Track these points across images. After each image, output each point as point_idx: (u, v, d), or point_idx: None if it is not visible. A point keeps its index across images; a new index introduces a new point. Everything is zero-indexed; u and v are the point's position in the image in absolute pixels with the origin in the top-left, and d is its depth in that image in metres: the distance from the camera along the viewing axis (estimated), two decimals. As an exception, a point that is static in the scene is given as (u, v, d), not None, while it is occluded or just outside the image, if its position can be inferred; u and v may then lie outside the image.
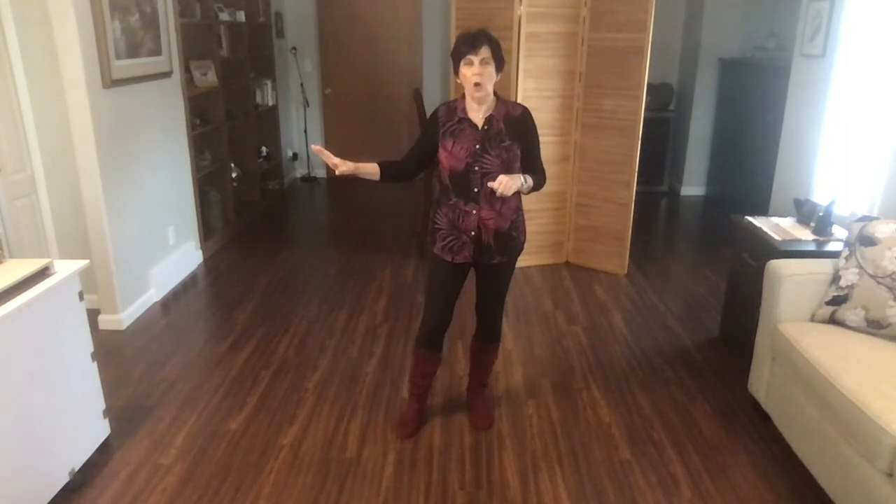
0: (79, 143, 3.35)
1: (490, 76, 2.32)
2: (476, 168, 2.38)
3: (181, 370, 3.21)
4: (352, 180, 7.27)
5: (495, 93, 2.42)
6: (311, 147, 2.36)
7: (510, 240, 2.50)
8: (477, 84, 2.31)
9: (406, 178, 2.56)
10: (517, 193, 2.42)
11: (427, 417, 2.83)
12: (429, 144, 2.47)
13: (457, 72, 2.36)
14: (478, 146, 2.37)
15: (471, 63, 2.29)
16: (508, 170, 2.36)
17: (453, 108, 2.43)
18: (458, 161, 2.39)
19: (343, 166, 2.36)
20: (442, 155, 2.42)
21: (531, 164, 2.46)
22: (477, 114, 2.40)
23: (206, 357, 3.35)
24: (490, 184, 2.28)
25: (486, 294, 2.63)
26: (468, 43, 2.30)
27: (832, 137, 3.72)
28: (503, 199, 2.40)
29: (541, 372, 3.22)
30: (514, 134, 2.40)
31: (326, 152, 2.36)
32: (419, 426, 2.76)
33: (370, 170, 2.45)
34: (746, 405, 2.92)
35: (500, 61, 2.35)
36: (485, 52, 2.28)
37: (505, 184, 2.26)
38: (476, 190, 2.40)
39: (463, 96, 2.42)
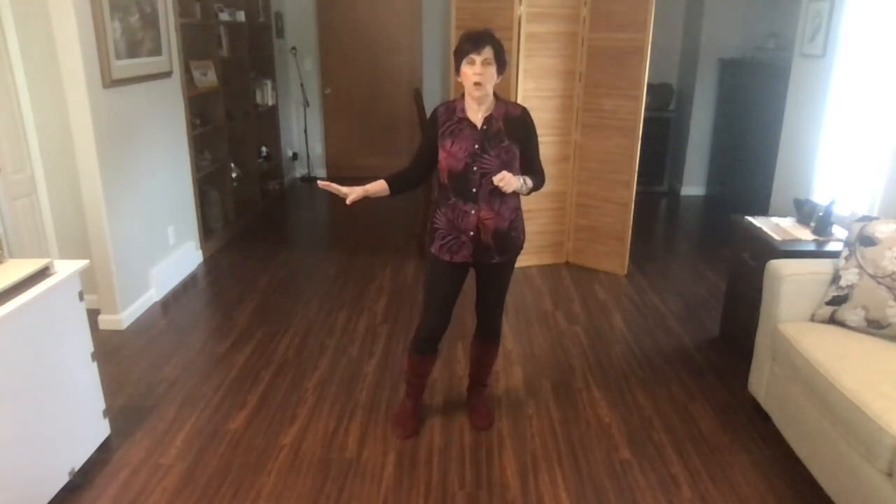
0: (79, 143, 3.35)
1: (491, 77, 2.32)
2: (475, 168, 2.37)
3: (181, 370, 3.21)
4: (351, 182, 7.28)
5: (495, 93, 2.41)
6: (318, 182, 2.38)
7: (509, 240, 2.50)
8: (477, 84, 2.30)
9: (415, 184, 2.54)
10: (515, 193, 2.42)
11: (427, 417, 2.83)
12: (432, 146, 2.45)
13: (458, 70, 2.35)
14: (477, 146, 2.37)
15: (473, 62, 2.29)
16: (508, 170, 2.35)
17: (452, 108, 2.42)
18: (457, 161, 2.38)
19: (353, 194, 2.36)
20: (441, 155, 2.41)
21: (530, 165, 2.46)
22: (476, 114, 2.39)
23: (206, 357, 3.35)
24: (494, 178, 2.27)
25: (486, 294, 2.63)
26: (472, 42, 2.29)
27: (832, 137, 3.72)
28: (502, 198, 2.41)
29: (541, 372, 3.22)
30: (513, 134, 2.40)
31: (334, 185, 2.35)
32: (417, 425, 2.76)
33: (378, 188, 2.45)
34: (746, 405, 2.92)
35: (502, 63, 2.34)
36: (487, 52, 2.28)
37: (508, 179, 2.25)
38: (475, 190, 2.39)
39: (462, 96, 2.42)
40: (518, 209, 2.52)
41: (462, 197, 2.42)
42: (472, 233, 2.43)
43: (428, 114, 2.57)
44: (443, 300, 2.55)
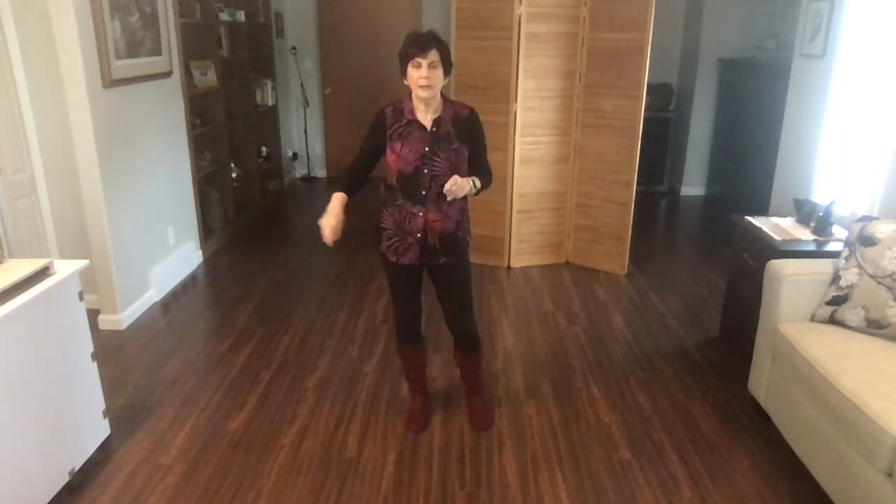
0: (79, 143, 3.35)
1: (438, 79, 2.31)
2: (425, 171, 2.37)
3: (181, 370, 3.21)
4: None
5: (442, 94, 2.41)
6: (326, 230, 2.33)
7: (455, 240, 2.49)
8: (424, 87, 2.29)
9: (363, 184, 2.51)
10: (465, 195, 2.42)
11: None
12: (378, 147, 2.42)
13: (404, 73, 2.34)
14: (427, 149, 2.36)
15: (419, 65, 2.27)
16: (457, 172, 2.36)
17: (400, 110, 2.40)
18: (406, 164, 2.37)
19: (334, 234, 2.32)
20: (390, 157, 2.40)
21: (478, 165, 2.47)
22: (425, 115, 2.38)
23: (206, 357, 3.35)
24: (445, 186, 2.28)
25: (447, 303, 2.60)
26: (417, 45, 2.27)
27: (832, 137, 3.72)
28: (451, 200, 2.40)
29: (541, 372, 3.22)
30: (462, 136, 2.40)
31: (327, 231, 2.32)
32: (428, 418, 2.79)
33: (342, 202, 2.38)
34: (746, 405, 2.92)
35: (448, 65, 2.33)
36: (434, 55, 2.27)
37: (459, 185, 2.27)
38: (424, 192, 2.39)
39: (409, 97, 2.40)
40: (465, 210, 2.52)
41: (411, 199, 2.41)
42: (419, 235, 2.43)
43: None
44: (405, 295, 2.58)
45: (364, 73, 7.00)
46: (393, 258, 2.49)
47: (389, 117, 2.41)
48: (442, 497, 2.36)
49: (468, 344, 2.66)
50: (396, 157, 2.38)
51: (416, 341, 2.70)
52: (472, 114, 2.46)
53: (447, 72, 2.34)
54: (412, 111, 2.38)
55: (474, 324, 2.65)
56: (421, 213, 2.41)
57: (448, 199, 2.33)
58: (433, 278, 2.58)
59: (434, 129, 2.37)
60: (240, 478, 2.45)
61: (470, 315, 2.63)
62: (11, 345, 2.08)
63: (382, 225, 2.50)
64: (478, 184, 2.41)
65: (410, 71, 2.30)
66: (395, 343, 2.74)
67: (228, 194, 5.23)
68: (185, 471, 2.49)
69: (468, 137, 2.42)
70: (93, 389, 2.56)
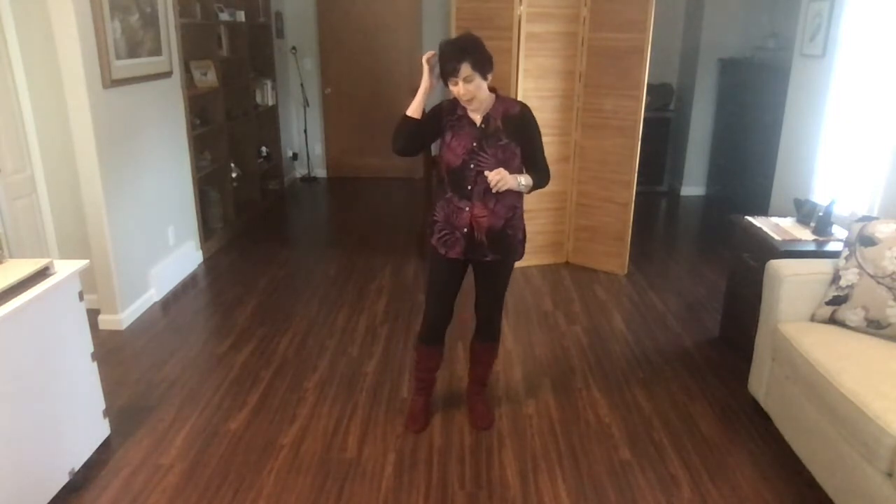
0: (79, 143, 3.35)
1: (478, 87, 2.32)
2: (472, 165, 2.39)
3: (181, 370, 3.21)
4: (353, 180, 7.30)
5: (496, 91, 2.43)
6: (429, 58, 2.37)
7: (505, 238, 2.49)
8: (466, 101, 2.35)
9: (413, 143, 2.49)
10: (516, 192, 2.42)
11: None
12: (430, 118, 2.44)
13: (446, 83, 2.36)
14: (475, 144, 2.38)
15: (455, 83, 2.30)
16: (505, 168, 2.36)
17: (455, 104, 2.44)
18: (454, 157, 2.40)
19: (431, 76, 2.39)
20: (442, 148, 2.44)
21: (533, 162, 2.46)
22: (475, 113, 2.41)
23: (206, 357, 3.35)
24: (487, 173, 2.29)
25: (483, 292, 2.64)
26: (449, 63, 2.28)
27: (832, 137, 3.72)
28: (497, 197, 2.40)
29: (541, 372, 3.22)
30: (511, 132, 2.40)
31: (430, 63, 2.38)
32: (428, 418, 2.79)
33: (421, 104, 2.43)
34: (746, 405, 2.92)
35: (485, 67, 2.31)
36: (466, 69, 2.27)
37: (504, 177, 2.27)
38: (470, 187, 2.41)
39: None
40: (516, 207, 2.51)
41: (458, 193, 2.44)
42: (465, 230, 2.45)
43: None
44: (441, 292, 2.59)
45: (364, 73, 6.99)
46: (442, 251, 2.51)
47: (446, 108, 2.45)
48: (442, 497, 2.36)
49: (490, 335, 2.70)
50: (446, 149, 2.42)
51: (437, 343, 2.70)
52: (524, 110, 2.45)
53: (487, 72, 2.32)
54: (465, 107, 2.41)
55: (500, 316, 2.70)
56: (467, 209, 2.43)
57: (493, 190, 2.31)
58: (475, 271, 2.60)
59: (483, 125, 2.40)
60: (240, 478, 2.45)
61: (499, 309, 2.68)
62: (11, 345, 2.08)
63: (434, 217, 2.54)
64: (528, 181, 2.40)
65: (450, 86, 2.33)
66: (416, 340, 2.76)
67: (228, 194, 5.22)
68: (185, 471, 2.49)
69: (518, 134, 2.42)
70: (93, 389, 2.56)
